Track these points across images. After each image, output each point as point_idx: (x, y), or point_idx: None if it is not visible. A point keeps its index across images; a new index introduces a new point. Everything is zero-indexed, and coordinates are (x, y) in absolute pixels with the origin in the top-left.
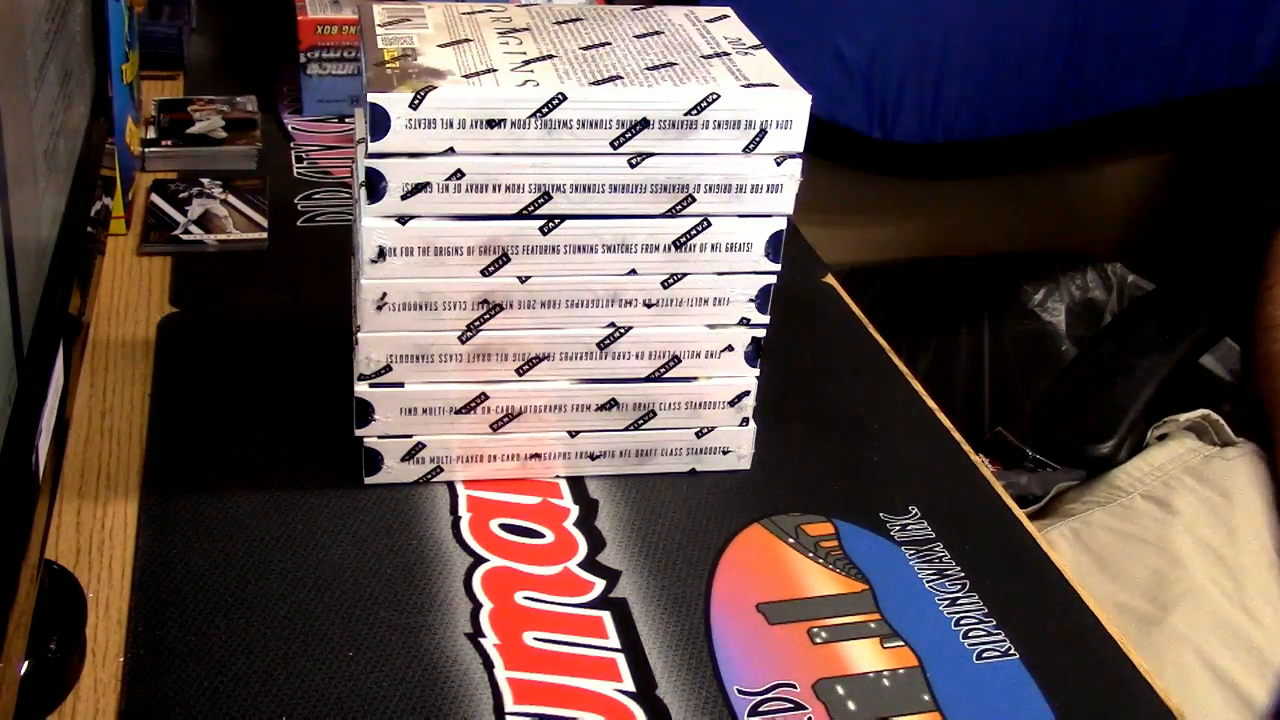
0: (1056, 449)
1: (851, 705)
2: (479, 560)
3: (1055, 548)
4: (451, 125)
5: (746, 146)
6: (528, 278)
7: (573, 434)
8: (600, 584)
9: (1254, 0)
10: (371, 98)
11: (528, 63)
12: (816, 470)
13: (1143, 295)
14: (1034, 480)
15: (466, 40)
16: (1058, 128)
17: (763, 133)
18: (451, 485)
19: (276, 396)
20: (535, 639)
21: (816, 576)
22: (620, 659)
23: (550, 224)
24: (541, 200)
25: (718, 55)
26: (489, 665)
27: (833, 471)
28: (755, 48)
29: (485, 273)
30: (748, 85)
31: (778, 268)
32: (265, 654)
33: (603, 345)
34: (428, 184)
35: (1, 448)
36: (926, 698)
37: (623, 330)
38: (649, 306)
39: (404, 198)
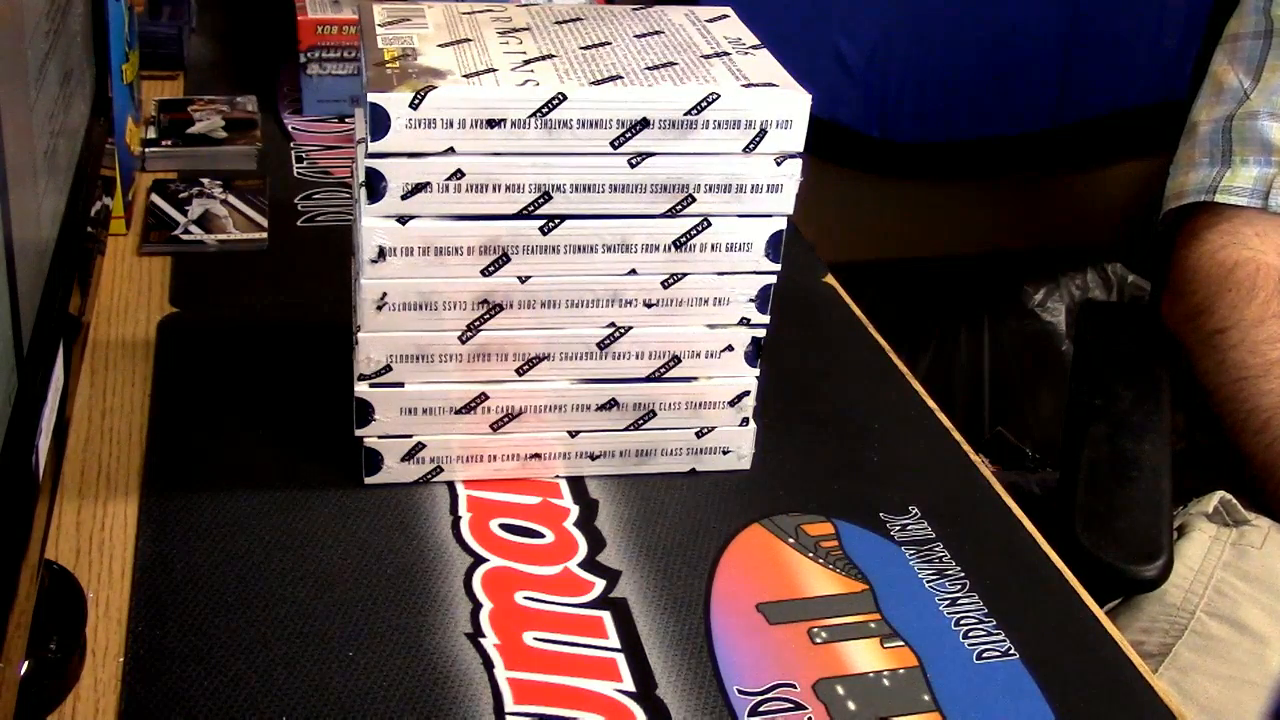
0: (1105, 575)
1: (851, 705)
2: (479, 560)
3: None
4: (451, 125)
5: (746, 146)
6: (528, 278)
7: (573, 434)
8: (600, 584)
9: None
10: (371, 98)
11: (528, 62)
12: (816, 470)
13: (1082, 343)
14: (1034, 480)
15: (466, 40)
16: (1057, 127)
17: (763, 132)
18: (451, 485)
19: (276, 396)
20: (535, 639)
21: (816, 576)
22: (620, 659)
23: (550, 224)
24: (541, 200)
25: (718, 55)
26: (489, 665)
27: (833, 471)
28: (755, 48)
29: (485, 273)
30: (748, 85)
31: (778, 268)
32: (265, 654)
33: (603, 345)
34: (428, 184)
35: (1, 448)
36: (926, 698)
37: (623, 330)
38: (649, 306)
39: (404, 198)
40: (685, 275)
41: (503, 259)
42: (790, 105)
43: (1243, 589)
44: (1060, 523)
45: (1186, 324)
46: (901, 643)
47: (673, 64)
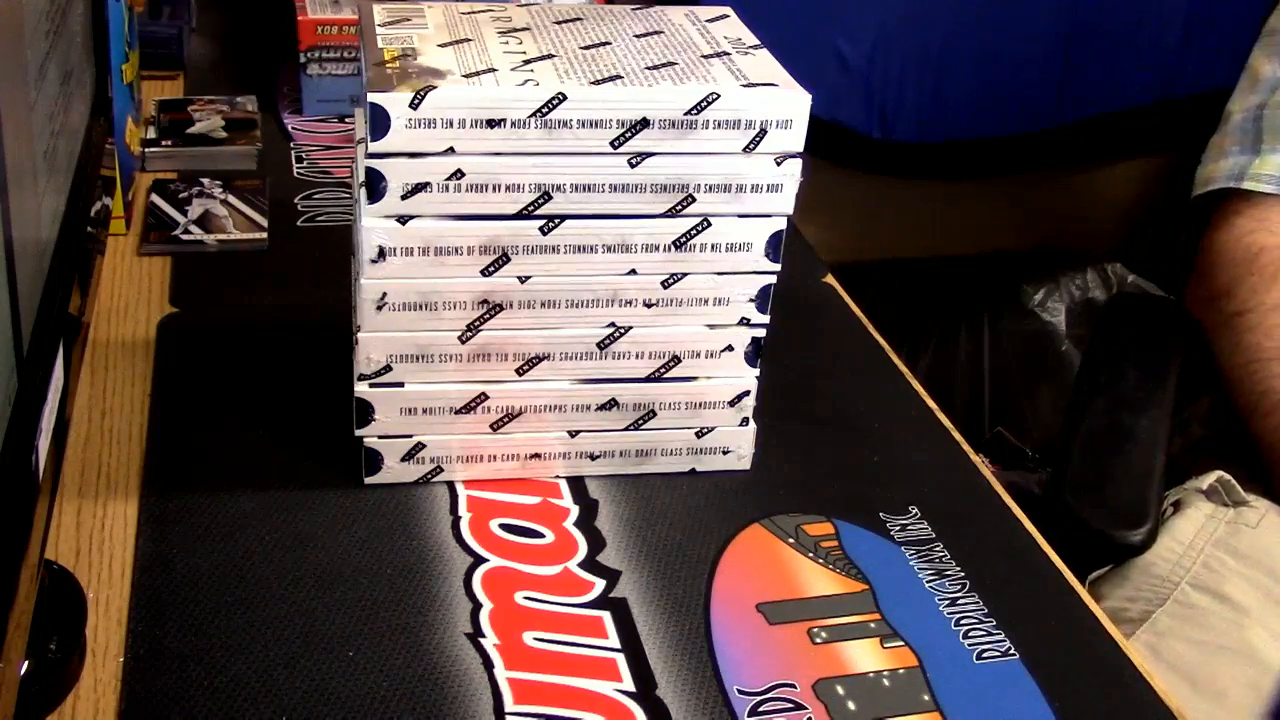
0: (1090, 539)
1: (851, 705)
2: (479, 560)
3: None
4: (451, 125)
5: (746, 146)
6: (528, 278)
7: (573, 434)
8: (600, 584)
9: (1253, 0)
10: (371, 98)
11: (528, 62)
12: (816, 470)
13: (1098, 330)
14: (1034, 480)
15: (466, 40)
16: (1058, 127)
17: (763, 132)
18: (451, 485)
19: (276, 396)
20: (535, 639)
21: (816, 576)
22: (620, 659)
23: (550, 224)
24: (541, 200)
25: (718, 55)
26: (489, 665)
27: (833, 471)
28: (755, 48)
29: (485, 273)
30: (748, 85)
31: (778, 268)
32: (265, 654)
33: (603, 345)
34: (428, 184)
35: (1, 448)
36: (926, 698)
37: (623, 330)
38: (649, 306)
39: (404, 198)
40: (685, 275)
41: (503, 259)
42: (790, 105)
43: (1231, 564)
44: (1051, 491)
45: (1208, 306)
46: (901, 643)
47: (673, 64)
